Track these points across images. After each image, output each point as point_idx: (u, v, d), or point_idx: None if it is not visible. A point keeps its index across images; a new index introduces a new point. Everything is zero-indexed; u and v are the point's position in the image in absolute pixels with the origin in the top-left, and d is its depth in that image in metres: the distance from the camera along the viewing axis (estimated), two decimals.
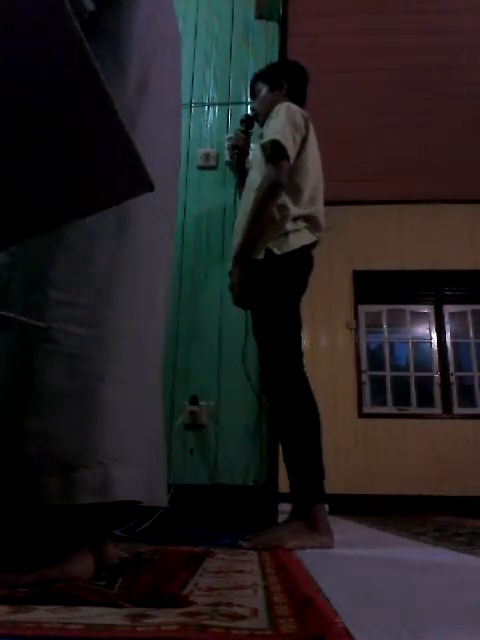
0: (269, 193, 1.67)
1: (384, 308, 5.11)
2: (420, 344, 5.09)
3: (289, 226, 1.70)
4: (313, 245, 1.78)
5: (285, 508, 1.66)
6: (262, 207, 1.67)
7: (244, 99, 2.43)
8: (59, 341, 0.87)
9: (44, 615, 0.63)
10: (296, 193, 1.74)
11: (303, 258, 1.73)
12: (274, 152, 1.69)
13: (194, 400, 2.04)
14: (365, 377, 4.89)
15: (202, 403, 2.05)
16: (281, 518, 1.78)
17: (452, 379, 4.86)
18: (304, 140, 1.77)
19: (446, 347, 4.97)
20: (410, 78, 3.71)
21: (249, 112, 2.24)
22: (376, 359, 5.03)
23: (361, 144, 4.37)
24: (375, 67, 3.63)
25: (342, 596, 0.79)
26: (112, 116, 0.57)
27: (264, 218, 1.67)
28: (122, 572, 0.89)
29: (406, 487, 4.36)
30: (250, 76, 2.11)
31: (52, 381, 0.86)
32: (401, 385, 4.91)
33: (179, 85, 1.25)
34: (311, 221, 1.76)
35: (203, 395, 2.06)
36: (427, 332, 5.08)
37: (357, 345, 4.93)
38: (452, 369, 4.90)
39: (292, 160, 1.71)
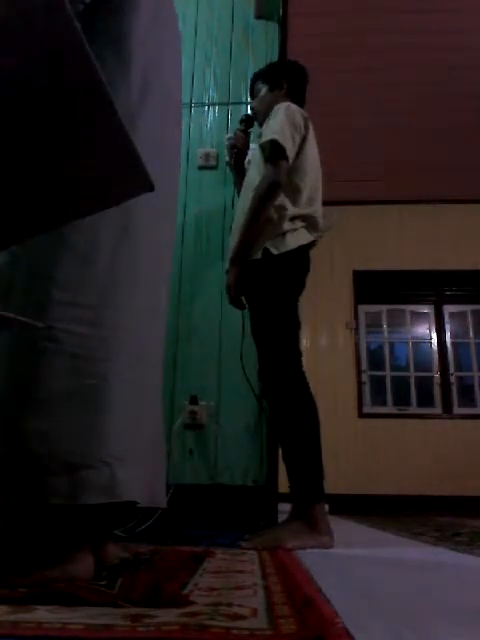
0: (267, 193, 1.66)
1: (384, 308, 5.11)
2: (420, 344, 5.09)
3: (286, 226, 1.69)
4: (311, 245, 1.78)
5: (285, 508, 1.66)
6: (260, 207, 1.66)
7: (244, 99, 2.43)
8: (62, 340, 0.87)
9: (44, 615, 0.63)
10: (295, 193, 1.74)
11: (300, 258, 1.73)
12: (273, 152, 1.68)
13: (194, 400, 2.04)
14: (365, 377, 4.89)
15: (202, 403, 2.05)
16: (281, 518, 1.78)
17: (452, 379, 4.86)
18: (303, 140, 1.77)
19: (446, 347, 4.97)
20: (410, 78, 3.71)
21: (249, 112, 2.25)
22: (376, 359, 5.03)
23: (361, 144, 4.37)
24: (375, 67, 3.63)
25: (342, 596, 0.79)
26: (112, 116, 0.57)
27: (262, 218, 1.67)
28: (122, 572, 0.89)
29: (406, 487, 4.36)
30: (250, 76, 2.11)
31: (55, 380, 0.86)
32: (401, 385, 4.91)
33: (180, 85, 1.25)
34: (309, 221, 1.76)
35: (203, 395, 2.06)
36: (427, 332, 5.08)
37: (357, 345, 4.93)
38: (452, 369, 4.90)
39: (291, 160, 1.70)
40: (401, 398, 4.86)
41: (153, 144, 1.02)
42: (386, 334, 5.09)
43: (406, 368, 5.01)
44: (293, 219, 1.72)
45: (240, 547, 1.40)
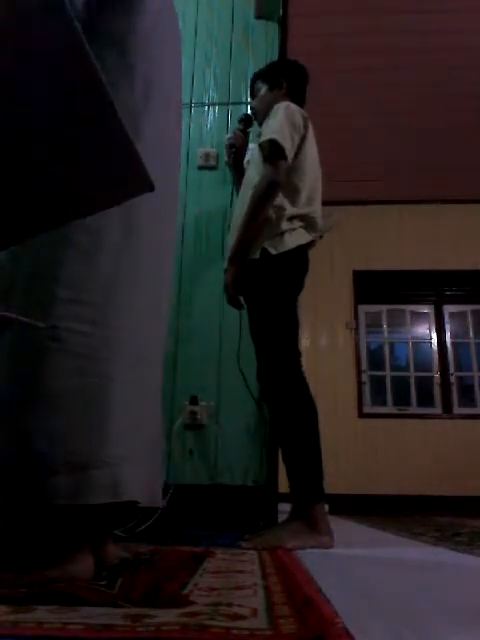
0: (266, 193, 1.66)
1: (384, 308, 5.11)
2: (420, 344, 5.09)
3: (285, 225, 1.69)
4: (310, 245, 1.78)
5: (285, 508, 1.66)
6: (259, 207, 1.66)
7: (244, 99, 2.43)
8: (65, 339, 0.87)
9: (44, 615, 0.63)
10: (293, 193, 1.73)
11: (299, 258, 1.73)
12: (272, 152, 1.68)
13: (194, 400, 2.04)
14: (365, 377, 4.89)
15: (202, 403, 2.05)
16: (281, 518, 1.78)
17: (452, 379, 4.86)
18: (303, 140, 1.77)
19: (446, 347, 4.97)
20: (410, 78, 3.71)
21: (248, 111, 2.25)
22: (376, 359, 5.03)
23: (361, 144, 4.37)
24: (375, 67, 3.63)
25: (342, 596, 0.79)
26: (112, 116, 0.57)
27: (260, 218, 1.67)
28: (122, 572, 0.89)
29: (406, 487, 4.36)
30: (250, 76, 2.11)
31: (59, 380, 0.86)
32: (401, 385, 4.91)
33: (180, 85, 1.25)
34: (307, 221, 1.75)
35: (203, 395, 2.06)
36: (427, 332, 5.08)
37: (357, 345, 4.93)
38: (452, 369, 4.90)
39: (290, 160, 1.70)
40: (401, 398, 4.86)
41: (155, 144, 1.02)
42: (386, 334, 5.09)
43: (406, 368, 5.01)
44: (291, 219, 1.72)
45: (240, 547, 1.40)
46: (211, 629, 0.57)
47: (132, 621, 0.60)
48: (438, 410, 4.78)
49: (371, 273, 5.03)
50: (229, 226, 1.99)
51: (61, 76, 0.53)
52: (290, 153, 1.70)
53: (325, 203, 1.86)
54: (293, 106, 1.77)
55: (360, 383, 4.82)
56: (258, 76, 2.00)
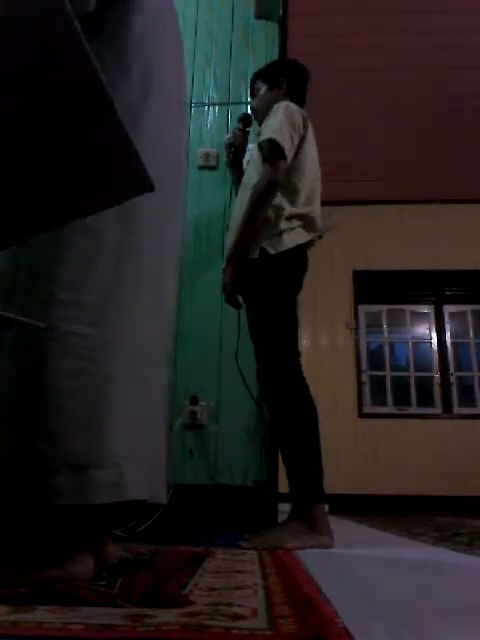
0: (265, 192, 1.66)
1: (384, 308, 5.11)
2: (420, 344, 5.09)
3: (283, 225, 1.69)
4: (308, 245, 1.78)
5: (285, 508, 1.66)
6: (258, 206, 1.66)
7: (244, 99, 2.43)
8: (65, 341, 0.87)
9: (44, 615, 0.63)
10: (293, 193, 1.73)
11: (298, 258, 1.73)
12: (271, 151, 1.68)
13: (194, 400, 2.04)
14: (365, 377, 4.89)
15: (202, 403, 2.05)
16: (281, 518, 1.78)
17: (452, 379, 4.86)
18: (302, 140, 1.77)
19: (446, 347, 4.97)
20: (410, 78, 3.71)
21: (248, 111, 2.24)
22: (376, 359, 5.03)
23: (361, 144, 4.37)
24: (375, 67, 3.63)
25: (342, 596, 0.79)
26: (112, 116, 0.57)
27: (259, 217, 1.67)
28: (122, 572, 0.89)
29: (406, 487, 4.36)
30: (250, 76, 2.11)
31: (60, 381, 0.86)
32: (401, 385, 4.91)
33: (183, 84, 1.25)
34: (306, 220, 1.75)
35: (203, 395, 2.06)
36: (427, 332, 5.08)
37: (357, 345, 4.93)
38: (452, 369, 4.90)
39: (289, 160, 1.70)
40: (401, 398, 4.86)
41: (153, 144, 1.02)
42: (386, 334, 5.09)
43: (406, 368, 5.01)
44: (290, 218, 1.71)
45: (240, 547, 1.40)
46: (211, 629, 0.57)
47: (132, 621, 0.60)
48: (438, 410, 4.78)
49: (371, 273, 5.03)
50: (228, 226, 1.99)
51: (61, 76, 0.53)
52: (289, 153, 1.69)
53: (325, 203, 1.86)
54: (293, 106, 1.77)
55: (360, 383, 4.82)
56: (258, 76, 2.00)
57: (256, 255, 1.68)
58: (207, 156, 2.36)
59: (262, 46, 2.51)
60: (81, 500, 0.81)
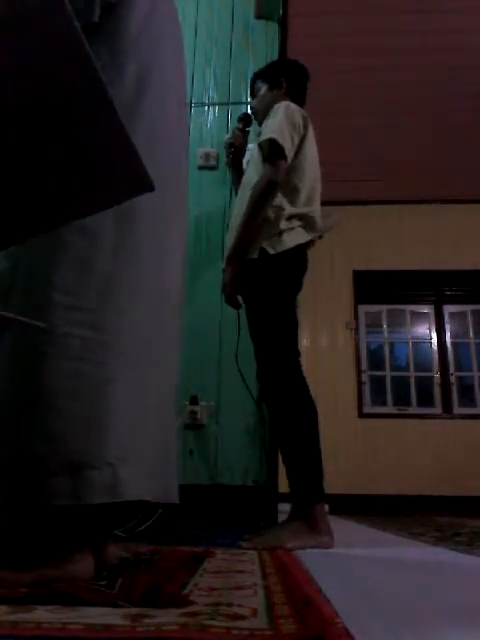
0: (265, 192, 1.66)
1: (384, 308, 5.11)
2: (420, 344, 5.09)
3: (283, 225, 1.69)
4: (308, 245, 1.78)
5: (285, 508, 1.66)
6: (258, 206, 1.66)
7: (244, 99, 2.43)
8: (63, 344, 0.87)
9: (44, 615, 0.63)
10: (293, 193, 1.73)
11: (298, 258, 1.73)
12: (271, 151, 1.68)
13: (194, 400, 2.04)
14: (365, 377, 4.89)
15: (202, 403, 2.05)
16: (281, 518, 1.78)
17: (452, 379, 4.86)
18: (302, 140, 1.77)
19: (446, 347, 4.97)
20: (410, 78, 3.71)
21: (248, 111, 2.24)
22: (376, 359, 5.03)
23: (361, 144, 4.37)
24: (375, 67, 3.63)
25: (342, 596, 0.79)
26: (112, 116, 0.57)
27: (259, 218, 1.67)
28: (122, 572, 0.89)
29: (406, 487, 4.36)
30: (250, 76, 2.11)
31: (58, 383, 0.86)
32: (401, 385, 4.91)
33: (183, 80, 1.24)
34: (306, 220, 1.75)
35: (203, 395, 2.06)
36: (427, 332, 5.08)
37: (357, 345, 4.93)
38: (452, 369, 4.90)
39: (289, 160, 1.70)
40: (401, 398, 4.86)
41: (152, 143, 1.02)
42: (386, 334, 5.09)
43: (406, 368, 5.01)
44: (290, 218, 1.71)
45: (240, 547, 1.40)
46: (211, 629, 0.57)
47: (132, 621, 0.60)
48: (438, 410, 4.78)
49: (371, 273, 5.03)
50: (228, 226, 1.98)
51: (61, 76, 0.53)
52: (289, 153, 1.69)
53: (325, 203, 1.86)
54: (293, 106, 1.77)
55: (360, 383, 4.82)
56: (258, 76, 2.00)
57: (256, 255, 1.68)
58: (207, 156, 2.36)
59: (262, 46, 2.51)
60: (79, 501, 0.81)
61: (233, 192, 2.23)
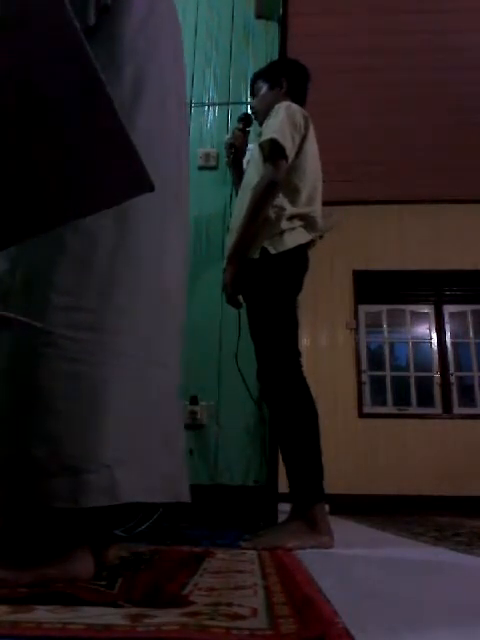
0: (266, 192, 1.66)
1: (384, 308, 5.11)
2: (420, 344, 5.09)
3: (284, 225, 1.69)
4: (309, 244, 1.78)
5: (285, 508, 1.66)
6: (258, 206, 1.66)
7: (244, 99, 2.43)
8: (61, 346, 0.87)
9: (44, 615, 0.63)
10: (294, 193, 1.73)
11: (298, 257, 1.73)
12: (272, 151, 1.68)
13: (194, 400, 2.04)
14: (365, 377, 4.89)
15: (202, 403, 2.05)
16: (281, 518, 1.78)
17: (452, 379, 4.87)
18: (303, 139, 1.77)
19: (446, 347, 4.97)
20: (410, 78, 3.71)
21: (248, 111, 2.24)
22: (376, 359, 5.03)
23: (361, 144, 4.37)
24: (375, 67, 3.63)
25: (342, 596, 0.79)
26: (112, 116, 0.57)
27: (260, 217, 1.67)
28: (122, 572, 0.89)
29: (406, 487, 4.36)
30: (250, 76, 2.11)
31: (56, 385, 0.86)
32: (401, 385, 4.92)
33: (183, 80, 1.24)
34: (307, 220, 1.75)
35: (203, 395, 2.06)
36: (427, 332, 5.08)
37: (357, 345, 4.93)
38: (452, 369, 4.90)
39: (290, 160, 1.70)
40: (401, 398, 4.86)
41: (151, 143, 1.02)
42: (386, 334, 5.09)
43: (406, 368, 5.01)
44: (291, 218, 1.71)
45: (240, 547, 1.40)
46: (211, 629, 0.57)
47: (132, 621, 0.60)
48: (438, 410, 4.78)
49: (371, 273, 5.03)
50: (228, 226, 1.98)
51: (61, 76, 0.53)
52: (291, 153, 1.69)
53: (325, 203, 1.86)
54: (294, 106, 1.77)
55: (360, 383, 4.82)
56: (258, 75, 2.00)
57: (257, 255, 1.68)
58: (207, 156, 2.36)
59: (262, 46, 2.51)
60: (76, 504, 0.81)
61: (233, 192, 2.23)
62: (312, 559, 1.22)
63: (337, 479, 3.79)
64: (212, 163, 2.36)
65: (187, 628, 0.57)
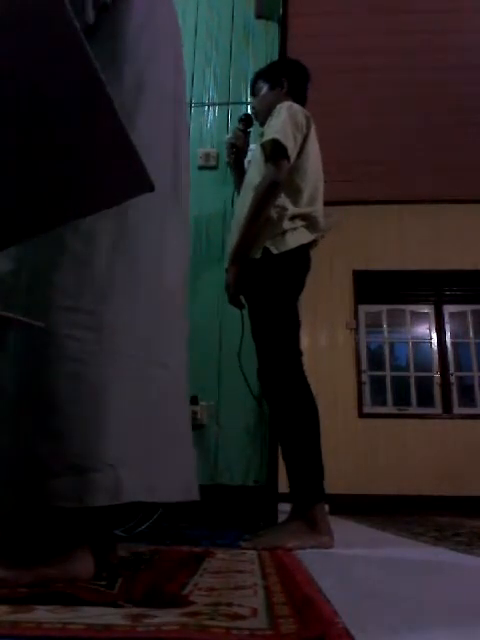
0: (268, 192, 1.66)
1: (384, 308, 5.11)
2: (420, 344, 5.09)
3: (286, 225, 1.69)
4: (311, 244, 1.78)
5: (285, 508, 1.66)
6: (260, 206, 1.66)
7: (244, 99, 2.43)
8: (63, 346, 0.87)
9: (44, 615, 0.63)
10: (296, 193, 1.73)
11: (301, 257, 1.73)
12: (274, 151, 1.68)
13: (194, 400, 2.04)
14: (365, 377, 4.89)
15: (202, 403, 2.05)
16: (281, 518, 1.78)
17: (452, 379, 4.86)
18: (305, 139, 1.77)
19: (446, 347, 4.97)
20: (410, 78, 3.71)
21: (248, 111, 2.24)
22: (376, 359, 5.03)
23: (361, 144, 4.37)
24: (375, 67, 3.63)
25: (342, 596, 0.79)
26: (112, 116, 0.57)
27: (262, 217, 1.67)
28: (122, 572, 0.89)
29: (406, 487, 4.36)
30: (250, 76, 2.11)
31: (59, 385, 0.86)
32: (401, 385, 4.91)
33: (182, 81, 1.24)
34: (309, 220, 1.75)
35: (203, 395, 2.06)
36: (427, 332, 5.08)
37: (357, 345, 4.93)
38: (452, 369, 4.90)
39: (292, 160, 1.70)
40: (401, 398, 4.86)
41: (150, 143, 1.02)
42: (386, 334, 5.09)
43: (406, 368, 5.01)
44: (293, 218, 1.72)
45: (240, 547, 1.40)
46: (211, 629, 0.57)
47: (132, 621, 0.60)
48: (438, 410, 4.78)
49: (371, 273, 5.03)
50: (230, 226, 1.98)
51: (61, 76, 0.53)
52: (292, 153, 1.69)
53: (325, 203, 1.86)
54: (296, 106, 1.77)
55: (360, 383, 4.82)
56: (259, 75, 2.00)
57: (259, 255, 1.68)
58: (207, 156, 2.36)
59: (262, 46, 2.51)
60: (80, 503, 0.81)
61: (235, 193, 2.23)
62: (312, 559, 1.22)
63: (337, 479, 3.79)
64: (212, 163, 2.36)
65: (187, 628, 0.57)
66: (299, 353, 1.67)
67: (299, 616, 0.63)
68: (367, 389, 4.87)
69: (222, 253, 2.20)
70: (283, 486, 1.72)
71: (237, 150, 2.10)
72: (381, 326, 5.10)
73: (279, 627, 0.58)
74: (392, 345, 5.14)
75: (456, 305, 5.09)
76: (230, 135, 2.21)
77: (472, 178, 4.74)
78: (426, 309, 5.13)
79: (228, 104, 2.46)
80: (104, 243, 0.94)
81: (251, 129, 2.12)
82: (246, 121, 2.11)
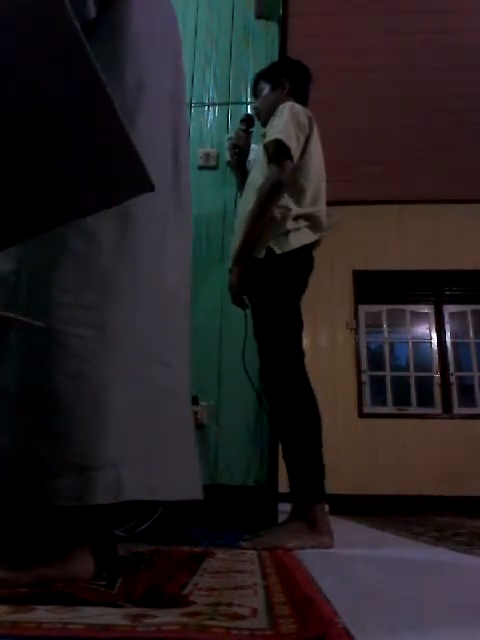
0: (271, 193, 1.66)
1: (384, 308, 5.11)
2: (420, 344, 5.09)
3: (290, 225, 1.69)
4: (314, 244, 1.78)
5: (285, 508, 1.66)
6: (264, 207, 1.66)
7: (244, 99, 2.43)
8: (65, 343, 0.87)
9: (44, 615, 0.63)
10: (299, 193, 1.73)
11: (304, 257, 1.73)
12: (277, 151, 1.68)
13: (194, 400, 2.04)
14: (365, 377, 4.89)
15: (202, 403, 2.05)
16: (281, 518, 1.78)
17: (452, 379, 4.86)
18: (307, 139, 1.77)
19: (446, 347, 4.97)
20: (410, 78, 3.71)
21: (250, 111, 2.24)
22: (376, 359, 5.03)
23: (361, 144, 4.37)
24: (375, 67, 3.63)
25: (342, 596, 0.79)
26: (112, 116, 0.57)
27: (265, 218, 1.67)
28: (122, 572, 0.89)
29: (406, 487, 4.36)
30: (250, 76, 2.11)
31: (60, 383, 0.86)
32: (401, 385, 4.91)
33: (182, 82, 1.24)
34: (312, 220, 1.75)
35: (203, 395, 2.06)
36: (427, 332, 5.08)
37: (357, 345, 4.93)
38: (452, 369, 4.90)
39: (295, 160, 1.70)
40: (401, 398, 4.86)
41: (150, 143, 1.02)
42: (386, 334, 5.09)
43: (406, 368, 5.01)
44: (296, 218, 1.72)
45: (240, 547, 1.40)
46: (211, 629, 0.57)
47: (132, 621, 0.60)
48: (438, 410, 4.78)
49: (371, 273, 5.03)
50: (232, 226, 1.98)
51: (61, 76, 0.53)
52: (295, 153, 1.69)
53: (326, 203, 1.86)
54: (298, 106, 1.77)
55: (360, 383, 4.82)
56: (261, 76, 1.99)
57: (262, 255, 1.68)
58: (207, 156, 2.36)
59: (262, 46, 2.51)
60: (81, 502, 0.81)
61: (238, 194, 2.23)
62: (312, 559, 1.22)
63: (337, 479, 3.78)
64: (212, 163, 2.36)
65: (187, 628, 0.57)
66: (302, 353, 1.67)
67: (299, 616, 0.63)
68: (367, 389, 4.87)
69: (222, 253, 2.20)
70: (283, 486, 1.72)
71: (239, 150, 2.10)
72: (381, 326, 5.10)
73: (279, 627, 0.58)
74: (392, 345, 5.14)
75: (456, 305, 5.09)
76: (232, 135, 2.21)
77: (472, 178, 4.74)
78: (426, 309, 5.13)
79: (228, 104, 2.46)
80: (105, 243, 0.94)
81: (253, 129, 2.12)
82: (248, 121, 2.11)
